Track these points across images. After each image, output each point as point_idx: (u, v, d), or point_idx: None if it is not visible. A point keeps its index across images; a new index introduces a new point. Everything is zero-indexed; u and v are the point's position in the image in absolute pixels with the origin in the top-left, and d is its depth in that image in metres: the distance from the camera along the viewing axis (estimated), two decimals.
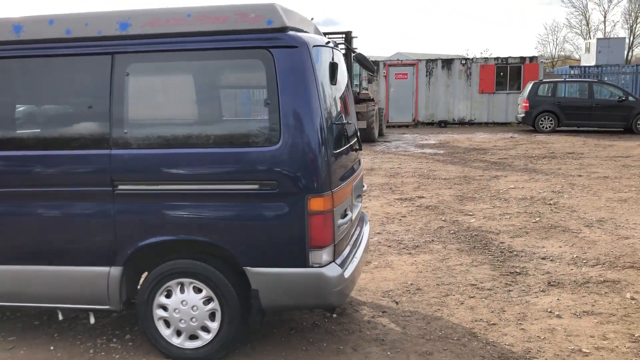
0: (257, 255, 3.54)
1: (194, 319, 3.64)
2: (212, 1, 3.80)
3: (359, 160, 4.53)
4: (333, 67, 3.76)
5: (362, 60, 4.28)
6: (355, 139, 4.27)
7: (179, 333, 3.69)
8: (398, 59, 26.83)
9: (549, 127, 18.83)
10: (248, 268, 3.55)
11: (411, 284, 5.19)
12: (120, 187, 3.59)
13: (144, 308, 3.68)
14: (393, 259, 5.94)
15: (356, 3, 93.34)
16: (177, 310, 3.65)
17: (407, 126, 23.23)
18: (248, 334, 3.95)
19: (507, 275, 5.45)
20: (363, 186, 4.78)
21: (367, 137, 16.74)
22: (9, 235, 3.75)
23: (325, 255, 3.51)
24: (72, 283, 3.71)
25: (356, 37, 16.32)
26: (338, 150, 3.75)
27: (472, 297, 4.88)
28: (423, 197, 9.09)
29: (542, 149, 14.80)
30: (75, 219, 3.67)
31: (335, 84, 3.96)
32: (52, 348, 3.95)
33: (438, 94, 23.18)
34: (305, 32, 3.90)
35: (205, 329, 3.66)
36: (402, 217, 7.81)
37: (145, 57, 3.60)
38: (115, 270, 3.64)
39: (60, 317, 3.98)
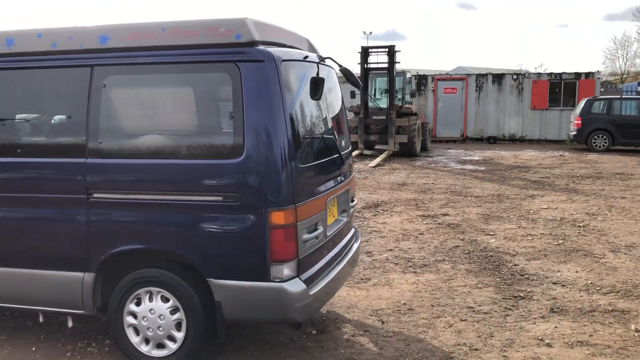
0: (220, 267, 3.55)
1: (160, 328, 3.68)
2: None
3: (345, 174, 4.47)
4: (316, 82, 3.76)
5: (346, 74, 4.24)
6: (338, 154, 4.21)
7: (147, 341, 3.74)
8: (452, 74, 26.43)
9: (603, 145, 18.05)
10: (211, 279, 3.56)
11: (404, 304, 5.06)
12: (95, 195, 3.69)
13: (115, 315, 3.75)
14: (395, 277, 5.82)
15: (422, 17, 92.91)
16: (145, 319, 3.70)
17: (454, 141, 22.83)
18: (222, 346, 3.95)
19: (510, 299, 5.24)
20: (353, 201, 4.72)
21: (408, 152, 16.58)
22: None
23: (287, 270, 3.48)
24: (49, 286, 3.83)
25: (399, 51, 16.25)
26: (308, 164, 3.72)
27: (463, 320, 4.71)
28: (448, 214, 8.88)
29: (589, 169, 14.19)
30: (53, 224, 3.80)
31: (318, 99, 3.95)
32: (33, 349, 4.09)
33: (488, 109, 22.67)
34: (286, 46, 3.91)
35: (172, 339, 3.70)
36: (419, 234, 7.65)
37: (120, 69, 3.71)
38: (88, 276, 3.73)
39: (41, 319, 4.11)
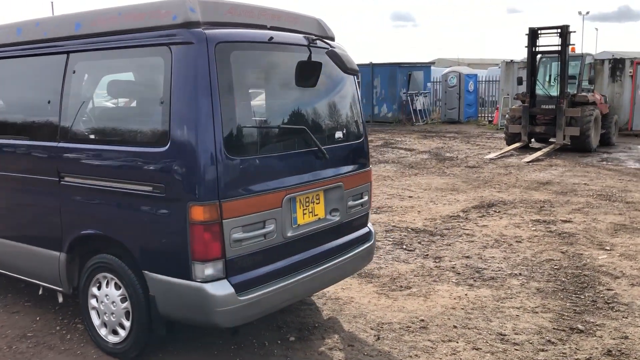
0: (154, 260, 3.44)
1: (113, 314, 3.71)
2: None
3: (337, 169, 4.01)
4: (301, 67, 3.56)
5: (333, 57, 3.77)
6: (316, 147, 3.78)
7: (105, 325, 3.79)
8: None
9: None
10: (146, 272, 3.47)
11: (421, 320, 4.43)
12: (66, 178, 3.82)
13: (82, 296, 3.88)
14: (442, 288, 5.14)
15: None
16: (103, 303, 3.76)
17: None
18: (188, 341, 3.87)
19: (563, 330, 4.29)
20: (362, 198, 4.24)
21: (581, 146, 14.65)
22: None
23: (209, 270, 3.24)
24: (35, 261, 4.10)
25: (574, 31, 14.32)
26: (249, 157, 3.39)
27: (476, 349, 3.97)
28: (570, 221, 7.61)
29: None
30: (36, 205, 4.04)
31: (307, 85, 3.64)
32: (37, 319, 4.42)
33: None
34: (254, 26, 3.59)
35: (122, 326, 3.70)
36: (516, 242, 6.67)
37: (85, 55, 3.77)
38: (62, 256, 3.90)
39: (40, 292, 4.42)
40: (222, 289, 3.25)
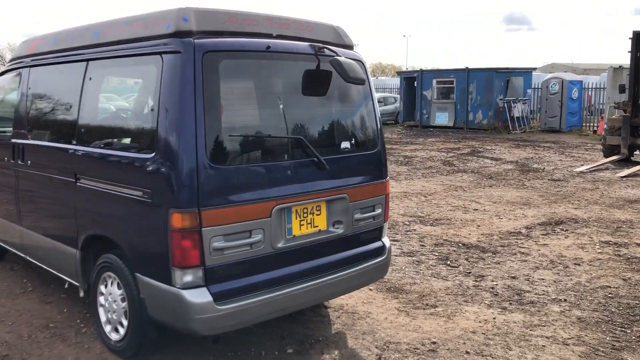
0: (143, 264, 3.53)
1: (115, 313, 3.85)
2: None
3: (342, 179, 3.91)
4: (308, 76, 3.63)
5: (335, 65, 3.65)
6: (314, 157, 3.70)
7: (110, 322, 3.95)
8: None
9: None
10: (137, 274, 3.57)
11: (433, 342, 4.20)
12: (80, 180, 4.02)
13: (93, 292, 4.06)
14: (470, 310, 4.85)
15: None
16: (108, 301, 3.92)
17: None
18: (183, 345, 3.94)
19: None
20: (374, 210, 4.12)
21: None
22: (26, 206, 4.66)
23: (189, 277, 3.27)
24: (60, 256, 4.35)
25: None
26: (235, 165, 3.38)
27: None
28: None
29: None
30: (60, 204, 4.28)
31: (310, 94, 3.63)
32: (65, 310, 4.69)
33: None
34: (253, 35, 3.59)
35: (122, 325, 3.83)
36: (574, 264, 6.16)
37: (99, 63, 3.94)
38: (78, 253, 4.11)
39: (66, 286, 4.68)
40: (200, 296, 3.26)
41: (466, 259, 6.30)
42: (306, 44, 3.80)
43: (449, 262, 6.18)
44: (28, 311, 4.68)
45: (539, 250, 6.67)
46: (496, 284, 5.50)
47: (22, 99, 4.82)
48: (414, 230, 7.54)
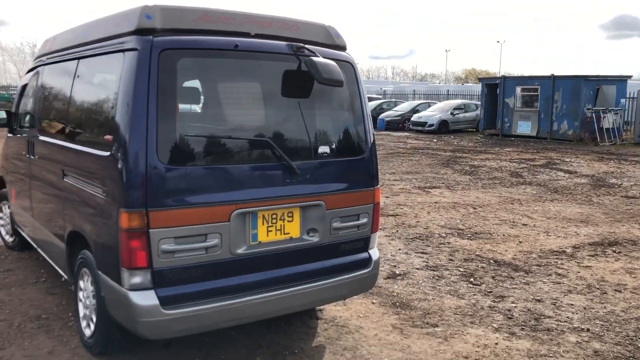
0: (103, 262, 3.52)
1: (88, 309, 3.88)
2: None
3: (319, 185, 3.71)
4: (282, 76, 3.54)
5: (309, 66, 3.45)
6: (283, 161, 3.54)
7: (85, 317, 3.98)
8: None
9: None
10: (99, 272, 3.56)
11: None
12: (66, 175, 4.09)
13: (74, 287, 4.12)
14: (474, 333, 4.48)
15: None
16: (84, 297, 3.95)
17: None
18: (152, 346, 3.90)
19: None
20: (358, 219, 3.91)
21: None
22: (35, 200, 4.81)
23: (136, 278, 3.20)
24: (54, 249, 4.45)
25: None
26: (187, 166, 3.27)
27: None
28: None
29: None
30: (54, 197, 4.38)
31: (284, 95, 3.52)
32: (63, 303, 4.81)
33: None
34: (224, 33, 3.48)
35: (92, 321, 3.84)
36: (614, 290, 5.57)
37: (83, 62, 3.99)
38: (66, 248, 4.19)
39: (62, 279, 4.78)
40: (145, 299, 3.19)
41: (492, 277, 5.86)
42: (284, 43, 3.64)
43: (472, 280, 5.77)
44: (30, 301, 4.83)
45: (579, 272, 6.09)
46: (515, 307, 5.06)
47: (34, 96, 5.00)
48: (448, 243, 7.14)
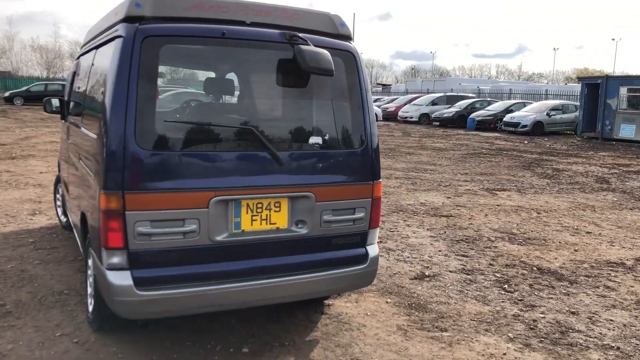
0: (93, 241, 3.65)
1: (90, 286, 4.06)
2: None
3: (305, 176, 3.63)
4: (273, 64, 3.54)
5: (297, 54, 3.35)
6: (266, 150, 3.49)
7: (90, 295, 4.17)
8: None
9: None
10: (91, 251, 3.71)
11: None
12: (80, 159, 4.30)
13: (86, 265, 4.32)
14: (484, 340, 4.21)
15: None
16: (89, 274, 4.14)
17: None
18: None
19: None
20: (353, 213, 3.81)
21: None
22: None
23: (115, 258, 3.30)
24: (77, 230, 4.69)
25: None
26: (166, 152, 3.30)
27: None
28: None
29: None
30: (79, 180, 4.60)
31: (275, 84, 3.53)
32: (83, 271, 5.04)
33: None
34: (227, 22, 3.49)
35: (92, 298, 4.02)
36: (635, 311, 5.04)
37: (99, 51, 4.16)
38: (81, 228, 4.41)
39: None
40: (120, 279, 3.27)
41: (530, 285, 5.48)
42: (278, 31, 3.60)
43: (506, 286, 5.43)
44: (60, 277, 5.13)
45: (632, 287, 5.55)
46: (543, 317, 4.70)
47: (70, 84, 5.31)
48: (495, 247, 6.76)
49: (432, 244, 6.80)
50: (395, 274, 5.64)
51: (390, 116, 34.21)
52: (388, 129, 28.15)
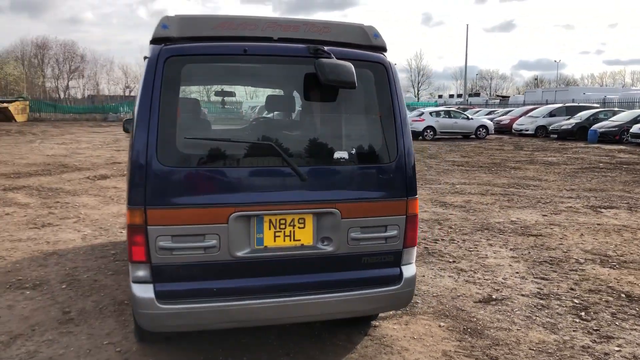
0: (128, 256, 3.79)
1: None
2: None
3: (326, 192, 3.54)
4: (297, 79, 3.54)
5: (317, 67, 3.25)
6: (287, 165, 3.44)
7: None
8: None
9: None
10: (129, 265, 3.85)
11: None
12: None
13: None
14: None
15: None
16: None
17: None
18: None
19: None
20: (386, 231, 3.65)
21: None
22: None
23: (140, 272, 3.39)
24: None
25: None
26: (190, 168, 3.36)
27: None
28: None
29: None
30: None
31: (303, 98, 3.54)
32: None
33: None
34: (254, 39, 3.53)
35: None
36: None
37: None
38: None
39: None
40: (143, 292, 3.36)
41: (612, 314, 4.93)
42: (303, 46, 3.56)
43: (583, 314, 4.92)
44: (126, 287, 5.36)
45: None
46: (618, 351, 4.19)
47: None
48: (581, 270, 6.17)
49: (510, 265, 6.35)
50: (459, 296, 5.32)
51: (504, 129, 32.79)
52: (499, 142, 26.97)
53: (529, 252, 6.87)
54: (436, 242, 7.33)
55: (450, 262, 6.43)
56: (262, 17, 3.63)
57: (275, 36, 3.59)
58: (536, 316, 4.85)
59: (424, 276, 5.87)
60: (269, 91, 3.74)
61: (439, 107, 42.24)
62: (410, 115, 32.78)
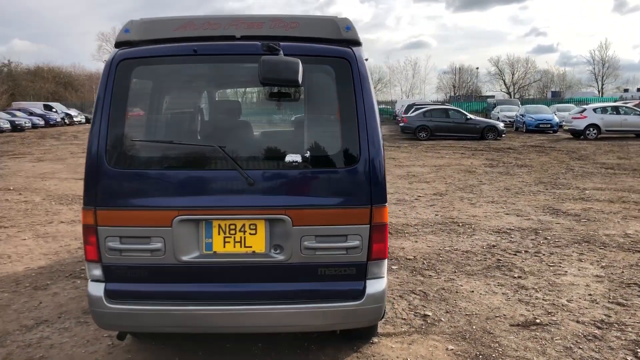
0: None
1: None
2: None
3: (276, 197, 3.33)
4: (254, 77, 3.30)
5: (259, 65, 3.01)
6: (234, 169, 3.29)
7: None
8: None
9: None
10: None
11: None
12: None
13: None
14: None
15: None
16: None
17: None
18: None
19: None
20: (346, 241, 3.34)
21: None
22: None
23: (94, 270, 3.45)
24: None
25: None
26: (136, 170, 3.35)
27: None
28: None
29: None
30: None
31: (255, 98, 3.45)
32: None
33: None
34: (217, 38, 3.48)
35: None
36: None
37: None
38: None
39: None
40: (95, 290, 3.44)
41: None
42: (257, 43, 3.38)
43: None
44: None
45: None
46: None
47: None
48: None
49: (587, 285, 5.46)
50: (497, 316, 4.70)
51: None
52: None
53: (622, 272, 5.85)
54: (516, 254, 6.57)
55: (515, 277, 5.72)
56: (226, 15, 3.54)
57: (237, 34, 3.46)
58: (579, 349, 4.10)
59: (472, 291, 5.29)
60: (222, 91, 3.61)
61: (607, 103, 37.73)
62: (571, 112, 29.73)
